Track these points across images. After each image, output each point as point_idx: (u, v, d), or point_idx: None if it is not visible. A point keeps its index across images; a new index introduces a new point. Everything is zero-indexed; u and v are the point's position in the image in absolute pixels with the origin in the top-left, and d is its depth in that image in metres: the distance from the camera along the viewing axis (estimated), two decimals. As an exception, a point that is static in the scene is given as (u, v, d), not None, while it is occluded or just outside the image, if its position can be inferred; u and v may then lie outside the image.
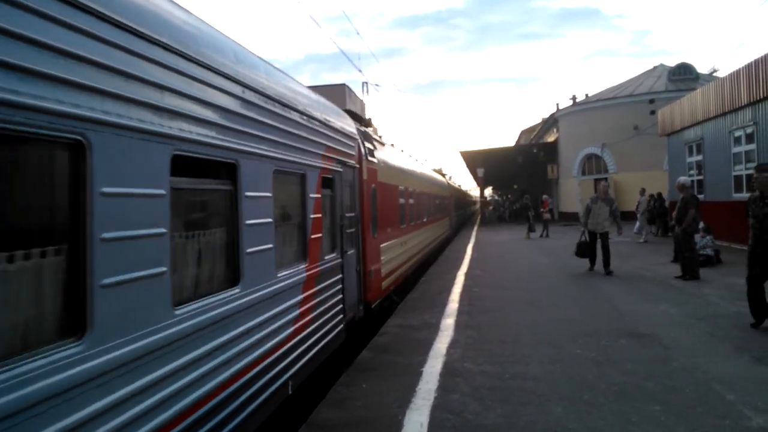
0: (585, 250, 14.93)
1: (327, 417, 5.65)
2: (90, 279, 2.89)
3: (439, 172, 46.45)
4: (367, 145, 10.54)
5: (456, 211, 41.03)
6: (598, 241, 14.68)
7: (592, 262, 14.87)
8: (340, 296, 7.94)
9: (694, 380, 6.21)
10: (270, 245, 5.27)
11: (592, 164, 39.96)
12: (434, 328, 9.15)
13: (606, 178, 13.45)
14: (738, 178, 18.71)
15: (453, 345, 8.05)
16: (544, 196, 32.29)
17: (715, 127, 20.59)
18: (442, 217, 27.36)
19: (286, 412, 6.11)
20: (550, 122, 47.99)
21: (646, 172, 32.99)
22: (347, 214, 8.71)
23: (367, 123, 12.59)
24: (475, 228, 41.01)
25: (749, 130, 17.96)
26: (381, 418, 5.52)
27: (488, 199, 78.72)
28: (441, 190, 27.44)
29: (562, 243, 24.45)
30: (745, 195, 17.61)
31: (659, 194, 24.88)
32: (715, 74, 38.31)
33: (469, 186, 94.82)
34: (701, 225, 14.81)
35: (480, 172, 44.85)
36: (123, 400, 3.09)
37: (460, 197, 49.08)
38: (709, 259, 14.74)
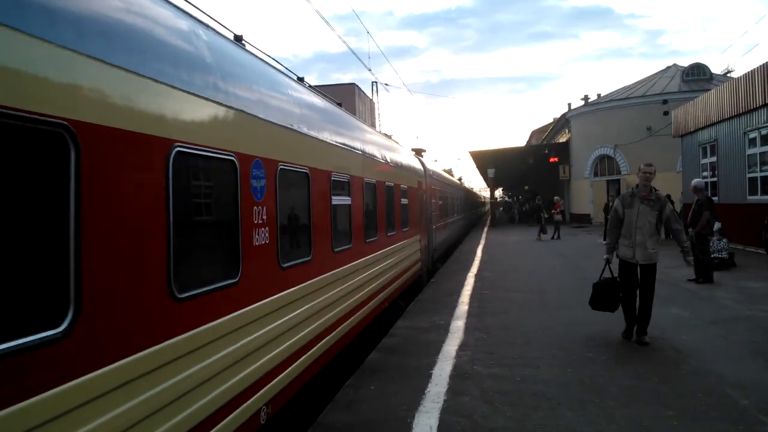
0: (608, 295, 8.14)
1: (335, 419, 5.62)
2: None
3: (449, 172, 46.21)
4: None
5: (444, 219, 23.25)
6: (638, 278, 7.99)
7: (629, 317, 8.08)
8: None
9: (707, 384, 6.12)
10: None
11: (605, 165, 39.69)
12: (443, 330, 9.10)
13: (651, 164, 8.00)
14: (752, 180, 18.47)
15: (462, 347, 8.00)
16: (556, 198, 32.10)
17: (729, 129, 20.36)
18: (379, 245, 10.38)
19: (294, 414, 6.08)
20: (562, 122, 47.71)
21: (659, 173, 32.24)
22: None
23: None
24: (486, 229, 40.86)
25: (764, 132, 17.73)
26: (389, 421, 5.48)
27: (498, 199, 78.48)
28: (371, 170, 10.08)
29: (573, 245, 24.33)
30: (761, 197, 17.43)
31: (668, 196, 24.58)
32: (729, 75, 38.01)
33: (479, 186, 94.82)
34: (717, 227, 14.63)
35: (490, 172, 44.67)
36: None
37: (452, 194, 28.81)
38: (723, 262, 14.57)
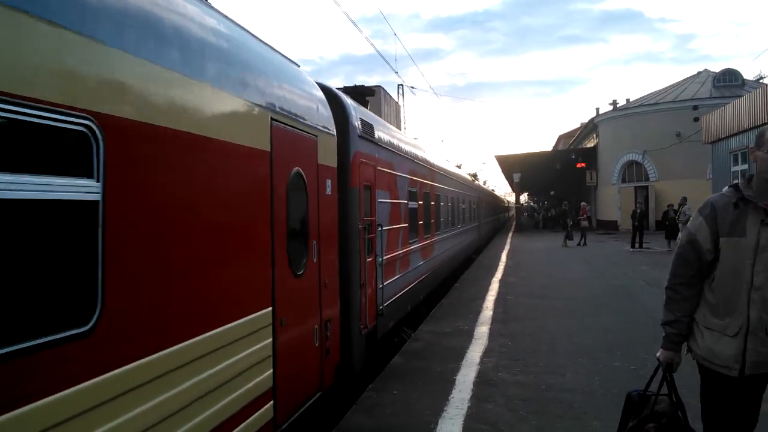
0: None
1: (357, 422, 5.60)
2: None
3: (474, 176, 46.05)
4: None
5: (425, 238, 12.02)
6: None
7: None
8: None
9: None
10: None
11: (633, 171, 39.07)
12: (467, 336, 9.02)
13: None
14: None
15: (487, 353, 7.92)
16: (583, 203, 31.70)
17: (762, 135, 19.91)
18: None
19: (316, 417, 6.07)
20: (590, 127, 47.17)
21: (688, 180, 32.10)
22: None
23: None
24: (510, 234, 40.55)
25: (799, 139, 17.30)
26: (412, 427, 5.45)
27: (524, 205, 77.74)
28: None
29: (600, 252, 23.97)
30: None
31: (670, 205, 24.51)
32: (762, 81, 37.19)
33: (505, 190, 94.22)
34: None
35: (516, 177, 44.37)
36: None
37: (451, 192, 16.88)
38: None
